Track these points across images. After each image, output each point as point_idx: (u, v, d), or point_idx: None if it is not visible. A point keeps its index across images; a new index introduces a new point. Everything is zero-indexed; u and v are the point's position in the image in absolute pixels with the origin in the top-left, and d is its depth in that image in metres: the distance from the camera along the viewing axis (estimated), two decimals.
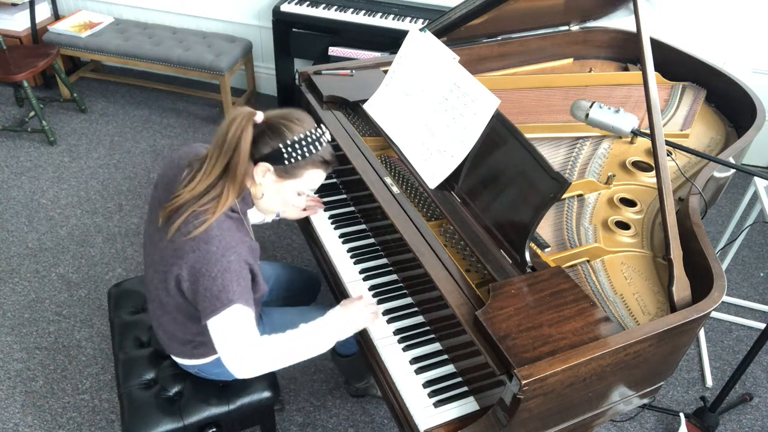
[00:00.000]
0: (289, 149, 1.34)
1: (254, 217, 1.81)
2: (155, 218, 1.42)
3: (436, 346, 1.51)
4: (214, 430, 1.63)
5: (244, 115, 1.32)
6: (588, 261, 1.56)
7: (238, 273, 1.31)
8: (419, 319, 1.57)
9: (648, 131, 1.48)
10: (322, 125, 1.41)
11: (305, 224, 1.92)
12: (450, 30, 2.11)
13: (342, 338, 1.49)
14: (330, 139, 1.42)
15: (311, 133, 1.37)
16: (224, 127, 1.32)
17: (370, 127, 1.95)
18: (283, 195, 1.42)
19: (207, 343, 1.47)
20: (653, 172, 1.86)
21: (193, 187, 1.34)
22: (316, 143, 1.37)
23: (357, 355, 1.90)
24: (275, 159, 1.35)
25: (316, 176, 1.42)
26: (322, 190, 1.98)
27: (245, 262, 1.34)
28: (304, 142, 1.35)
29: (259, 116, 1.34)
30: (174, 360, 1.65)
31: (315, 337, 1.45)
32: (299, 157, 1.35)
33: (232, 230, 1.34)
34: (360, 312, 1.52)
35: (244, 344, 1.34)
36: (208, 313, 1.31)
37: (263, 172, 1.36)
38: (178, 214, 1.33)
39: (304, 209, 1.87)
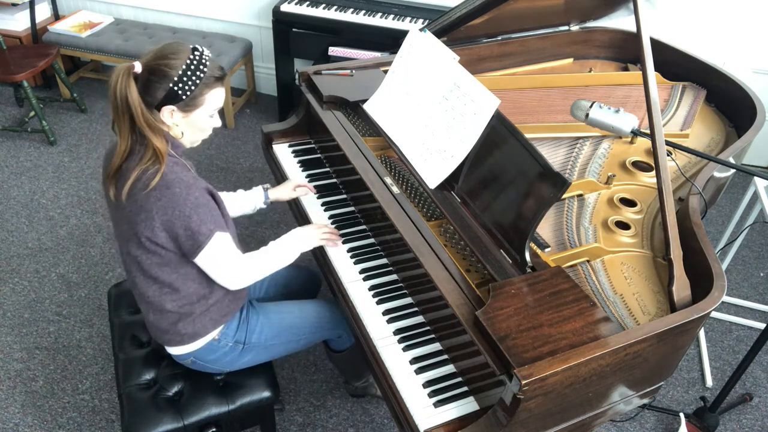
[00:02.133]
0: (180, 84, 1.37)
1: (244, 206, 1.85)
2: (110, 200, 1.48)
3: (436, 346, 1.51)
4: (214, 430, 1.63)
5: (122, 71, 1.35)
6: (588, 261, 1.56)
7: (207, 205, 1.41)
8: (419, 319, 1.57)
9: (648, 131, 1.48)
10: (196, 46, 1.43)
11: (305, 224, 1.91)
12: (450, 30, 2.11)
13: (304, 249, 1.68)
14: (209, 53, 1.45)
15: (191, 59, 1.39)
16: (110, 89, 1.36)
17: (370, 127, 1.95)
18: (197, 124, 1.47)
19: (195, 316, 1.54)
20: (653, 172, 1.86)
21: (119, 150, 1.40)
22: (201, 66, 1.39)
23: (351, 352, 1.90)
24: (173, 98, 1.39)
25: (217, 94, 1.46)
26: (323, 190, 1.98)
27: (207, 191, 1.44)
28: (189, 72, 1.38)
29: (137, 66, 1.37)
30: (172, 359, 1.65)
31: (283, 249, 1.64)
32: (192, 86, 1.39)
33: (185, 171, 1.43)
34: (315, 231, 1.70)
35: (232, 264, 1.50)
36: (194, 250, 1.42)
37: (169, 113, 1.41)
38: (124, 178, 1.39)
39: (294, 189, 1.90)
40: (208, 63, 1.41)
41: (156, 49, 1.40)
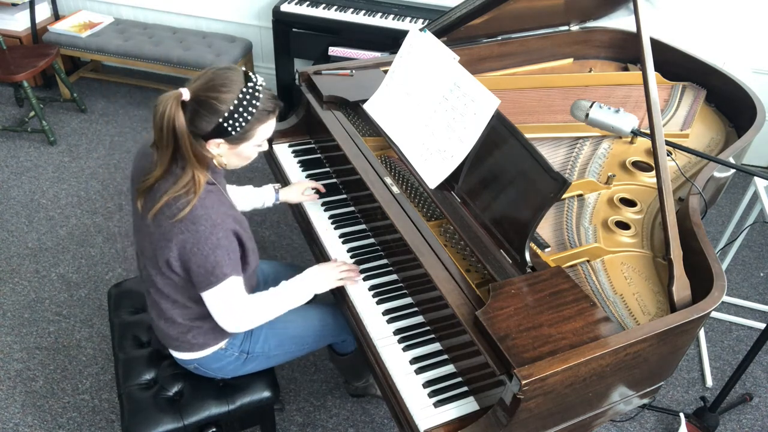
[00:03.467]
0: (230, 121, 1.30)
1: (254, 201, 1.85)
2: (137, 209, 1.45)
3: (436, 346, 1.51)
4: (214, 430, 1.63)
5: (170, 100, 1.27)
6: (588, 261, 1.56)
7: (228, 247, 1.36)
8: (419, 319, 1.57)
9: (648, 131, 1.48)
10: (249, 74, 1.34)
11: (305, 224, 1.92)
12: (450, 30, 2.11)
13: (319, 291, 1.59)
14: (264, 83, 1.36)
15: (244, 93, 1.30)
16: (156, 118, 1.30)
17: (370, 127, 1.95)
18: (244, 155, 1.42)
19: (205, 330, 1.53)
20: (653, 172, 1.86)
21: (156, 172, 1.35)
22: (253, 101, 1.31)
23: (355, 354, 1.91)
24: (221, 133, 1.32)
25: (268, 128, 1.40)
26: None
27: (233, 233, 1.38)
28: (241, 108, 1.30)
29: (185, 93, 1.29)
30: (174, 359, 1.65)
31: (294, 291, 1.56)
32: (243, 122, 1.31)
33: (216, 205, 1.36)
34: (333, 270, 1.61)
35: (237, 309, 1.45)
36: (203, 287, 1.38)
37: (216, 145, 1.35)
38: (153, 199, 1.36)
39: (303, 192, 1.89)
40: (261, 96, 1.33)
41: (206, 76, 1.31)
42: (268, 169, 3.30)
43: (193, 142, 1.31)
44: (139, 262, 1.54)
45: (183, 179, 1.33)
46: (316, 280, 1.58)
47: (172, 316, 1.51)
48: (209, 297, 1.40)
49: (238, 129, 1.32)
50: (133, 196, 1.46)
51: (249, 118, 1.32)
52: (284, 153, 2.12)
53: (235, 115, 1.30)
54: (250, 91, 1.31)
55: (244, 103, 1.30)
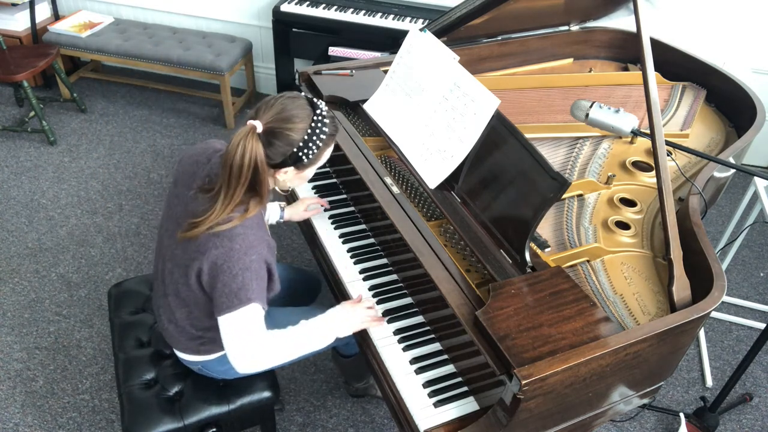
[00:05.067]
0: (305, 150, 1.34)
1: None
2: (174, 214, 1.43)
3: (436, 346, 1.51)
4: (214, 430, 1.63)
5: (246, 134, 1.28)
6: (588, 261, 1.56)
7: (257, 272, 1.33)
8: (419, 319, 1.57)
9: (648, 131, 1.48)
10: (314, 100, 1.37)
11: (305, 225, 1.92)
12: (450, 30, 2.11)
13: (341, 336, 1.50)
14: (326, 107, 1.38)
15: (315, 122, 1.34)
16: (233, 155, 1.28)
17: (370, 127, 1.95)
18: (306, 176, 1.46)
19: (216, 340, 1.48)
20: (653, 172, 1.86)
21: (215, 214, 1.32)
22: (323, 127, 1.35)
23: (358, 356, 1.91)
24: (295, 162, 1.35)
25: (331, 149, 1.44)
26: (323, 190, 1.98)
27: (264, 261, 1.36)
28: (315, 137, 1.34)
29: (258, 126, 1.30)
30: (175, 359, 1.65)
31: (315, 333, 1.47)
32: (315, 149, 1.36)
33: (255, 228, 1.35)
34: (359, 313, 1.52)
35: (252, 341, 1.36)
36: (223, 308, 1.32)
37: (284, 172, 1.38)
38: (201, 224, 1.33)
39: (306, 208, 1.88)
40: (327, 121, 1.36)
41: (275, 108, 1.33)
42: None
43: (269, 172, 1.35)
44: (159, 264, 1.51)
45: (239, 202, 1.33)
46: (340, 323, 1.50)
47: (183, 325, 1.51)
48: (226, 322, 1.33)
49: (310, 156, 1.35)
50: (173, 199, 1.45)
51: (320, 144, 1.36)
52: None
53: (310, 144, 1.34)
54: (320, 119, 1.35)
55: (316, 131, 1.34)
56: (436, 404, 1.37)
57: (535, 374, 1.15)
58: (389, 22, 3.20)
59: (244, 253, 1.31)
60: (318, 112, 1.35)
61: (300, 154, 1.34)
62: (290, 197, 2.01)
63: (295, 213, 1.87)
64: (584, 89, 2.20)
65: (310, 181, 2.00)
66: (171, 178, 1.50)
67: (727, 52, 3.22)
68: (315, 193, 1.96)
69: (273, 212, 1.85)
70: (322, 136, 1.35)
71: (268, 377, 1.70)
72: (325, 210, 1.91)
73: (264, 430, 1.83)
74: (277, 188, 1.47)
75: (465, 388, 1.41)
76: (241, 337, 1.35)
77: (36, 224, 2.91)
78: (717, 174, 1.86)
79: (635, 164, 1.93)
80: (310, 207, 1.88)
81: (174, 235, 1.43)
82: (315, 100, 1.38)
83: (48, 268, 2.69)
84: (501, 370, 1.22)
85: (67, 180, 3.21)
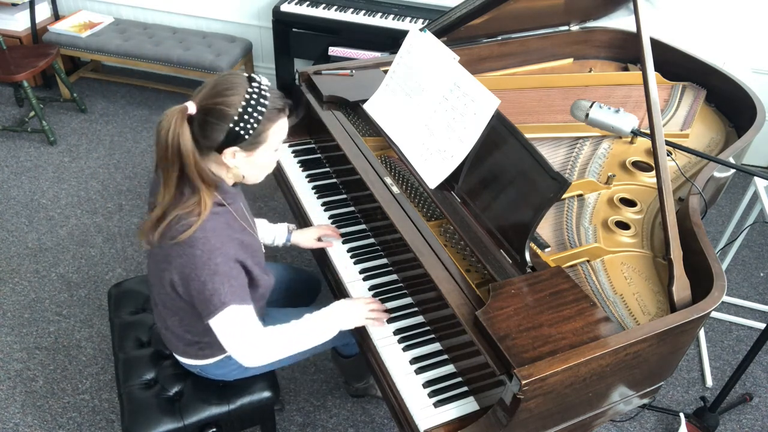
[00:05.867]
0: (242, 123, 1.25)
1: (265, 237, 1.80)
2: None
3: (436, 346, 1.51)
4: (214, 430, 1.63)
5: (175, 115, 1.23)
6: (588, 261, 1.56)
7: (227, 274, 1.29)
8: (419, 319, 1.57)
9: (648, 131, 1.48)
10: (252, 75, 1.30)
11: (306, 225, 1.92)
12: (450, 30, 2.11)
13: (344, 328, 1.50)
14: (268, 82, 1.31)
15: (250, 93, 1.26)
16: (160, 136, 1.24)
17: (370, 127, 1.95)
18: (261, 162, 1.36)
19: (213, 344, 1.47)
20: (653, 172, 1.86)
21: (163, 200, 1.29)
22: (261, 99, 1.27)
23: (358, 356, 1.91)
24: (234, 139, 1.26)
25: (281, 127, 1.34)
26: (322, 190, 1.98)
27: (234, 260, 1.32)
28: (250, 108, 1.25)
29: (191, 107, 1.25)
30: (175, 360, 1.65)
31: (317, 326, 1.47)
32: (255, 123, 1.26)
33: (218, 230, 1.30)
34: (360, 307, 1.52)
35: (247, 340, 1.36)
36: (205, 315, 1.32)
37: (232, 155, 1.29)
38: (163, 218, 1.30)
39: (319, 239, 1.79)
40: (267, 93, 1.28)
41: (209, 85, 1.28)
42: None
43: (198, 160, 1.26)
44: (149, 276, 1.50)
45: (191, 200, 1.28)
46: (342, 317, 1.49)
47: (178, 332, 1.51)
48: (214, 326, 1.33)
49: (251, 131, 1.27)
50: (150, 208, 1.42)
51: (260, 118, 1.27)
52: (284, 153, 2.12)
53: (245, 116, 1.25)
54: (256, 90, 1.27)
55: (252, 102, 1.26)
56: (436, 404, 1.37)
57: (535, 374, 1.15)
58: (389, 22, 3.20)
59: (207, 258, 1.27)
60: (254, 84, 1.27)
61: (238, 128, 1.25)
62: (280, 180, 1.94)
63: (304, 239, 1.79)
64: (584, 89, 2.20)
65: (310, 181, 2.00)
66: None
67: (727, 52, 3.22)
68: (315, 193, 1.96)
69: (279, 234, 1.81)
70: (260, 108, 1.26)
71: (268, 377, 1.70)
72: (321, 195, 1.88)
73: (264, 430, 1.83)
74: (231, 176, 1.38)
75: (465, 388, 1.41)
76: (234, 338, 1.34)
77: (36, 224, 2.91)
78: (717, 174, 1.86)
79: (635, 164, 1.93)
80: (324, 238, 1.80)
81: (152, 250, 1.39)
82: (255, 74, 1.30)
83: (48, 268, 2.69)
84: (501, 370, 1.22)
85: (67, 180, 3.21)
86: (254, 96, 1.26)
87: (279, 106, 1.31)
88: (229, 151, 1.29)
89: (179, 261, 1.29)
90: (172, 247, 1.29)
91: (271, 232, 1.81)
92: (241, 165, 1.33)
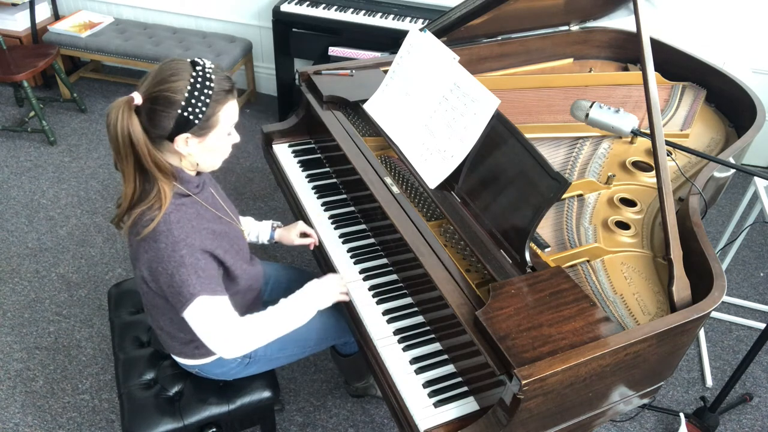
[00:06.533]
0: (190, 108, 1.23)
1: (251, 234, 1.80)
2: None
3: (436, 346, 1.51)
4: (214, 430, 1.63)
5: (121, 106, 1.21)
6: (588, 261, 1.56)
7: (194, 265, 1.28)
8: (419, 319, 1.57)
9: (648, 131, 1.48)
10: (195, 59, 1.28)
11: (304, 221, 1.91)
12: (450, 30, 2.11)
13: (321, 307, 1.52)
14: (212, 64, 1.29)
15: (194, 76, 1.24)
16: (109, 128, 1.23)
17: (370, 127, 1.95)
18: (215, 146, 1.34)
19: None
20: (653, 172, 1.86)
21: (125, 193, 1.30)
22: (207, 82, 1.25)
23: (357, 356, 1.91)
24: (184, 125, 1.25)
25: (231, 109, 1.31)
26: (323, 190, 1.98)
27: (201, 251, 1.30)
28: (196, 92, 1.23)
29: (137, 97, 1.24)
30: (174, 360, 1.65)
31: (294, 310, 1.48)
32: (204, 107, 1.24)
33: (183, 221, 1.29)
34: (335, 284, 1.56)
35: (221, 331, 1.35)
36: (179, 308, 1.31)
37: (184, 142, 1.27)
38: (129, 215, 1.31)
39: (303, 235, 1.80)
40: (213, 75, 1.26)
41: (152, 74, 1.26)
42: (268, 169, 3.30)
43: (152, 149, 1.25)
44: (136, 280, 1.50)
45: (151, 194, 1.27)
46: (317, 296, 1.51)
47: (171, 331, 1.51)
48: (188, 318, 1.32)
49: (200, 116, 1.24)
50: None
51: (208, 101, 1.25)
52: (284, 153, 2.12)
53: (193, 101, 1.23)
54: (201, 72, 1.25)
55: (198, 86, 1.23)
56: (436, 404, 1.37)
57: (535, 374, 1.15)
58: (389, 22, 3.20)
59: (172, 250, 1.26)
60: (198, 68, 1.25)
61: (186, 113, 1.23)
62: (280, 180, 1.95)
63: (286, 236, 1.80)
64: (584, 89, 2.20)
65: (310, 181, 2.00)
66: None
67: (727, 52, 3.22)
68: (315, 193, 1.96)
69: (263, 231, 1.81)
70: (207, 91, 1.24)
71: (268, 377, 1.70)
72: (320, 195, 1.90)
73: (264, 430, 1.83)
74: (188, 164, 1.36)
75: (465, 388, 1.41)
76: (208, 329, 1.34)
77: (36, 224, 2.91)
78: (717, 174, 1.86)
79: (635, 164, 1.93)
80: (302, 239, 1.81)
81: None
82: (199, 59, 1.28)
83: (48, 268, 2.69)
84: (501, 370, 1.22)
85: (67, 180, 3.21)
86: (199, 79, 1.24)
87: (226, 88, 1.29)
88: (180, 139, 1.27)
89: (146, 256, 1.30)
90: (139, 244, 1.30)
91: (255, 230, 1.81)
92: (194, 152, 1.31)
